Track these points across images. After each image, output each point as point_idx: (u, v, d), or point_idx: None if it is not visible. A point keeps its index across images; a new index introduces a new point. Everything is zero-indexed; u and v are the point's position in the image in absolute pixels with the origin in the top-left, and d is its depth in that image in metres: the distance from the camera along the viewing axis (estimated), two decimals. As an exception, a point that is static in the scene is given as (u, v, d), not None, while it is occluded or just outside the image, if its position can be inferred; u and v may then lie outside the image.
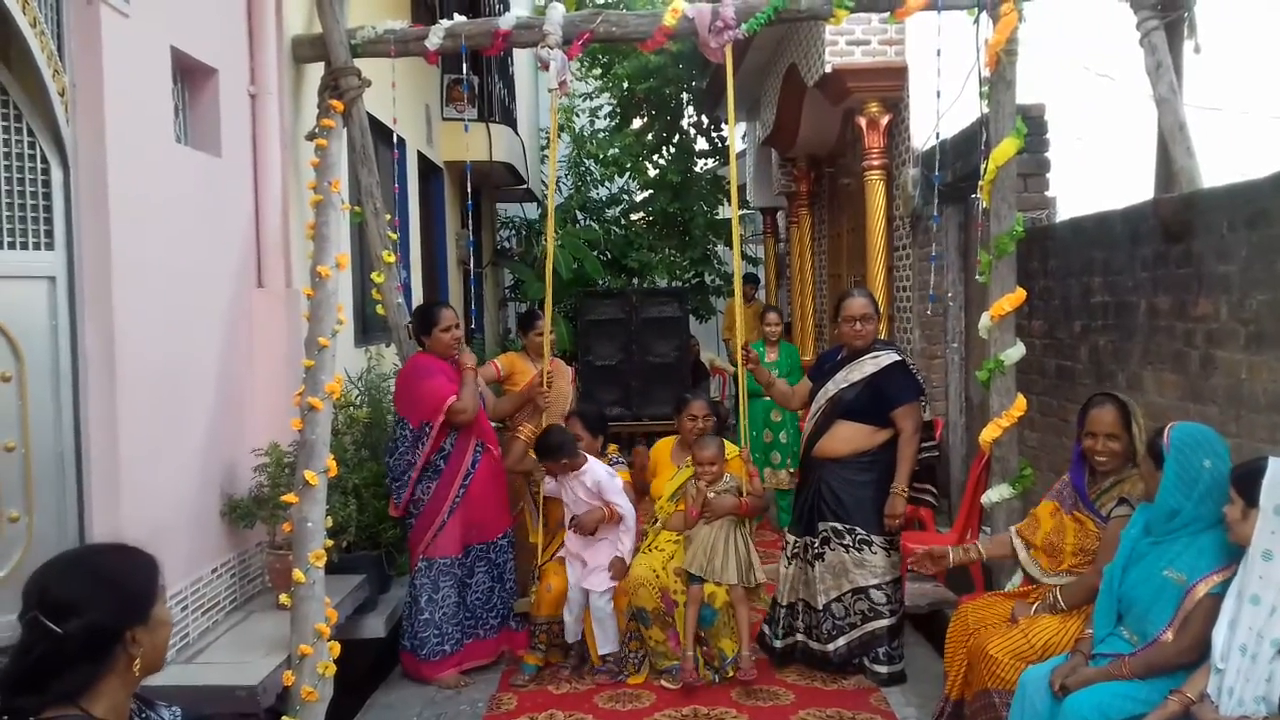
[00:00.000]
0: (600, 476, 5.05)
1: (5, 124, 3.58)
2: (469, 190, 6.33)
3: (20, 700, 1.80)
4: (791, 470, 7.65)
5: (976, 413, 6.36)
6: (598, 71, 14.98)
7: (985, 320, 4.96)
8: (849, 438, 4.90)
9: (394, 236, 5.72)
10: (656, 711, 4.66)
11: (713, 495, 4.96)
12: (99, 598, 1.88)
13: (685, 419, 5.29)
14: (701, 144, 15.02)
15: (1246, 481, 2.90)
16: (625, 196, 15.76)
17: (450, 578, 4.98)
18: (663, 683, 4.94)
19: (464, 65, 5.57)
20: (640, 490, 5.41)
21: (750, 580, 4.94)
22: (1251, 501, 2.86)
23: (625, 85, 14.26)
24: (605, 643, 5.00)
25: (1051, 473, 5.11)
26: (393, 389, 6.00)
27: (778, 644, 5.10)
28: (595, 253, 13.28)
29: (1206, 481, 3.16)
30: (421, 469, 4.92)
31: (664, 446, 5.50)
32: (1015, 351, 4.90)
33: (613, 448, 5.64)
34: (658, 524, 5.29)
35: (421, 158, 8.60)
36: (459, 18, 5.53)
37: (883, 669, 4.84)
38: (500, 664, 5.21)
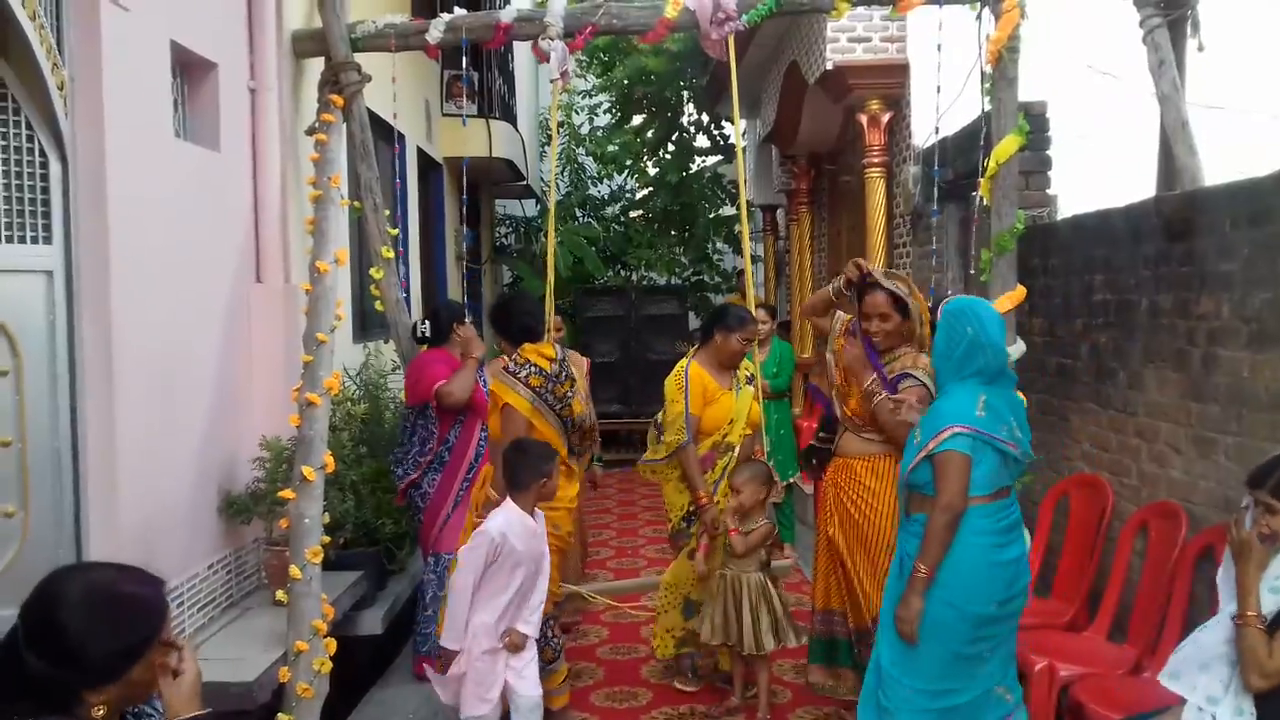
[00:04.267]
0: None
1: (4, 117, 3.57)
2: (465, 185, 6.31)
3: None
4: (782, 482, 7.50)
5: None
6: (597, 69, 14.96)
7: (986, 318, 4.95)
8: None
9: (393, 232, 5.71)
10: (654, 709, 4.66)
11: (743, 528, 4.46)
12: (83, 650, 1.79)
13: (738, 340, 4.74)
14: (701, 141, 15.00)
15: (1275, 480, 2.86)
16: (627, 196, 15.76)
17: None
18: (676, 684, 4.85)
19: (464, 60, 5.55)
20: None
21: (785, 640, 4.43)
22: None
23: (625, 83, 14.25)
24: None
25: (1051, 471, 5.10)
26: (391, 385, 6.02)
27: None
28: (594, 249, 13.28)
29: (966, 344, 3.35)
30: (429, 462, 4.93)
31: (699, 374, 4.79)
32: (1015, 349, 4.88)
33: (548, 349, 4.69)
34: (726, 464, 4.70)
35: (421, 153, 8.59)
36: (459, 11, 5.51)
37: None
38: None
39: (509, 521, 3.78)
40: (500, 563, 3.75)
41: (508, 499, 3.85)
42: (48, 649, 1.77)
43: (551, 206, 5.57)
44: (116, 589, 1.92)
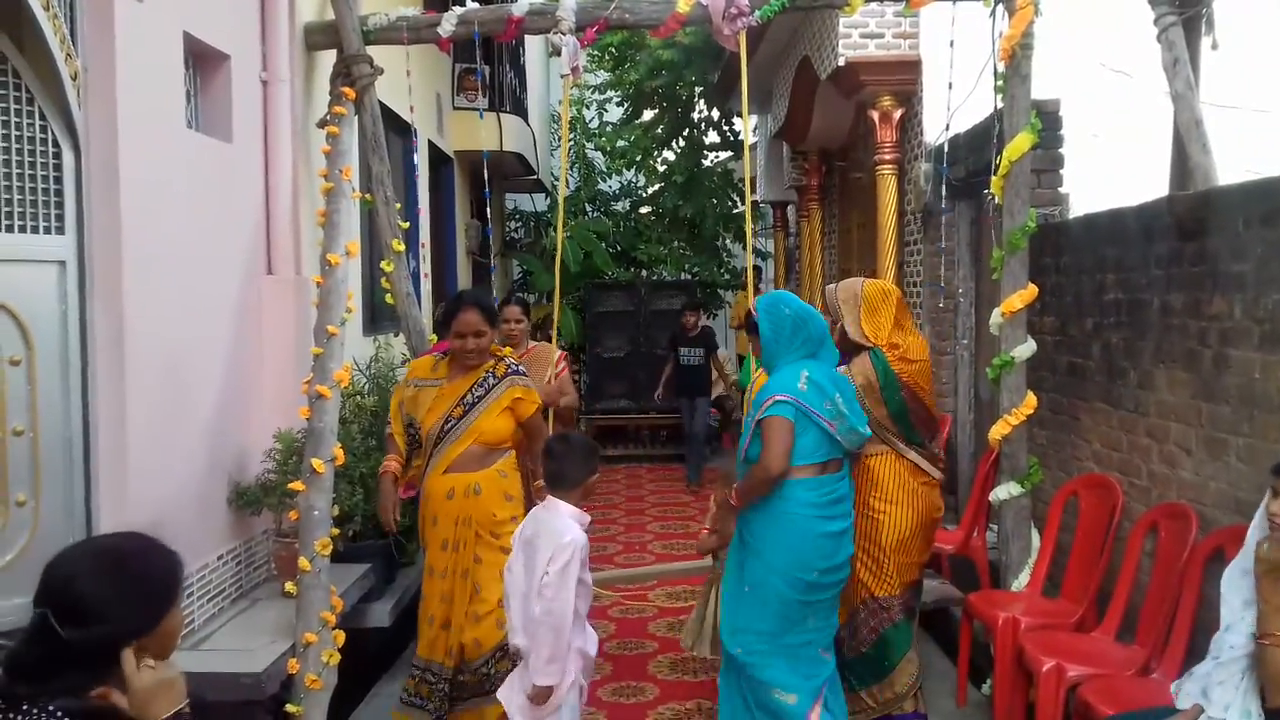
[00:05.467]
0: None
1: (17, 107, 3.57)
2: (486, 178, 6.30)
3: (19, 687, 1.79)
4: None
5: (986, 410, 6.33)
6: (609, 64, 14.94)
7: (996, 317, 4.94)
8: None
9: (404, 225, 5.71)
10: (661, 705, 4.66)
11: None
12: (114, 605, 1.83)
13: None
14: (712, 137, 14.97)
15: None
16: (638, 192, 15.73)
17: None
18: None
19: (476, 53, 5.55)
20: None
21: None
22: None
23: (636, 78, 14.23)
24: None
25: (1060, 471, 5.09)
26: (400, 378, 6.02)
27: None
28: (604, 245, 13.26)
29: (790, 323, 3.77)
30: None
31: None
32: (1026, 348, 4.87)
33: (506, 349, 4.40)
34: None
35: (432, 147, 8.59)
36: (472, 4, 5.51)
37: None
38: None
39: (579, 521, 3.45)
40: (581, 570, 3.42)
41: (550, 499, 3.52)
42: (78, 619, 1.81)
43: (561, 202, 5.55)
44: (123, 548, 1.98)
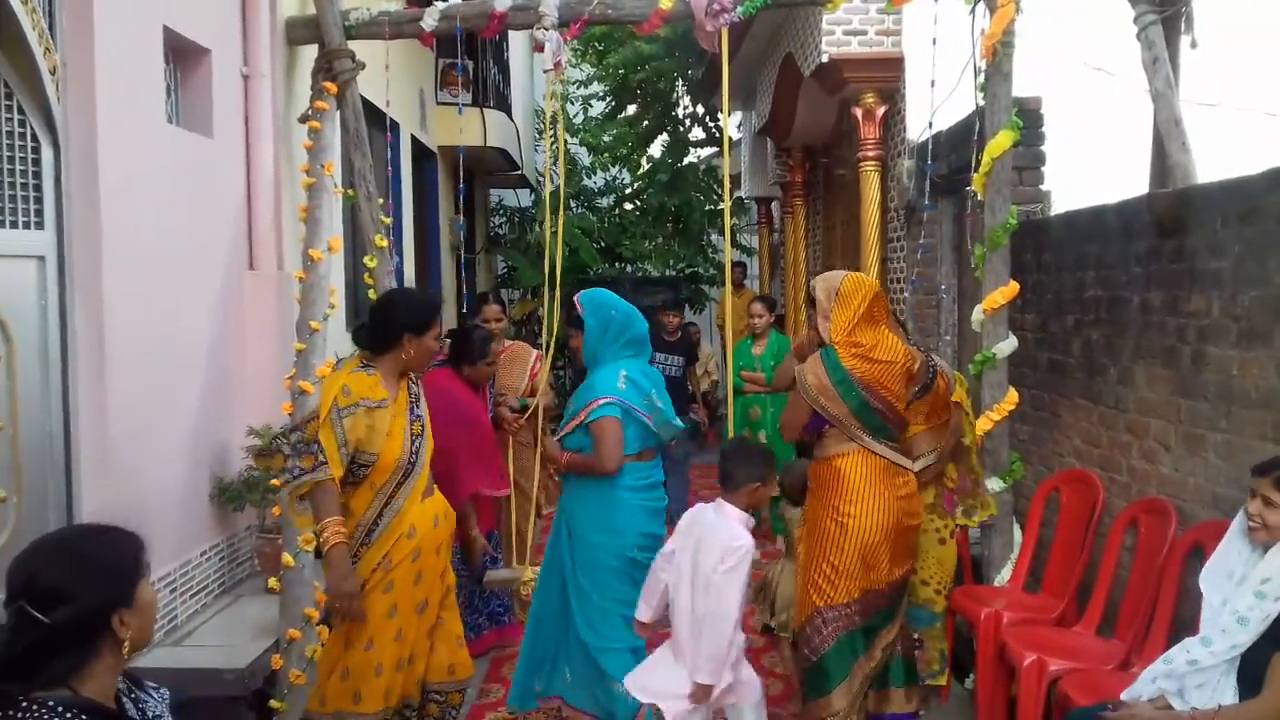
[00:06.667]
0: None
1: (-5, 101, 3.55)
2: (459, 174, 6.28)
3: (9, 685, 1.80)
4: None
5: (968, 405, 6.36)
6: (593, 59, 14.94)
7: (978, 313, 4.96)
8: None
9: (387, 221, 5.70)
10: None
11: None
12: (85, 582, 1.88)
13: None
14: (697, 133, 14.98)
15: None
16: (624, 188, 15.73)
17: None
18: None
19: (459, 48, 5.54)
20: None
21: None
22: None
23: (620, 72, 14.22)
24: None
25: (1042, 466, 5.12)
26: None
27: None
28: (589, 240, 13.27)
29: (616, 324, 4.10)
30: None
31: None
32: (1007, 345, 4.90)
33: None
34: None
35: (415, 142, 8.56)
36: None
37: None
38: (489, 653, 5.21)
39: (745, 525, 3.56)
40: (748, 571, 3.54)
41: (720, 501, 3.60)
42: (53, 604, 1.84)
43: (547, 197, 5.55)
44: (73, 535, 2.11)
